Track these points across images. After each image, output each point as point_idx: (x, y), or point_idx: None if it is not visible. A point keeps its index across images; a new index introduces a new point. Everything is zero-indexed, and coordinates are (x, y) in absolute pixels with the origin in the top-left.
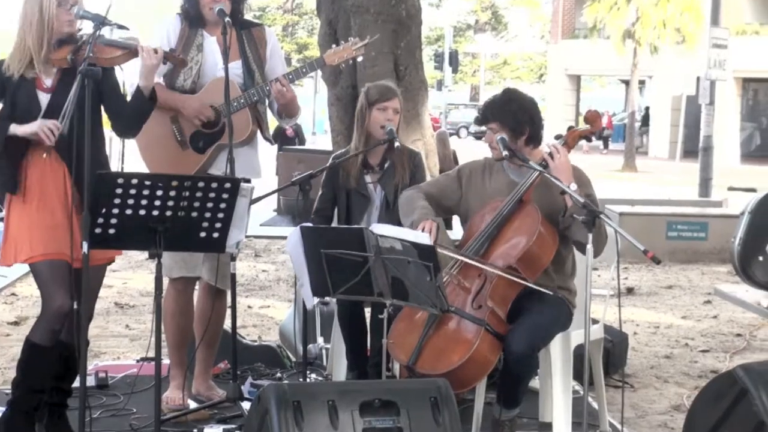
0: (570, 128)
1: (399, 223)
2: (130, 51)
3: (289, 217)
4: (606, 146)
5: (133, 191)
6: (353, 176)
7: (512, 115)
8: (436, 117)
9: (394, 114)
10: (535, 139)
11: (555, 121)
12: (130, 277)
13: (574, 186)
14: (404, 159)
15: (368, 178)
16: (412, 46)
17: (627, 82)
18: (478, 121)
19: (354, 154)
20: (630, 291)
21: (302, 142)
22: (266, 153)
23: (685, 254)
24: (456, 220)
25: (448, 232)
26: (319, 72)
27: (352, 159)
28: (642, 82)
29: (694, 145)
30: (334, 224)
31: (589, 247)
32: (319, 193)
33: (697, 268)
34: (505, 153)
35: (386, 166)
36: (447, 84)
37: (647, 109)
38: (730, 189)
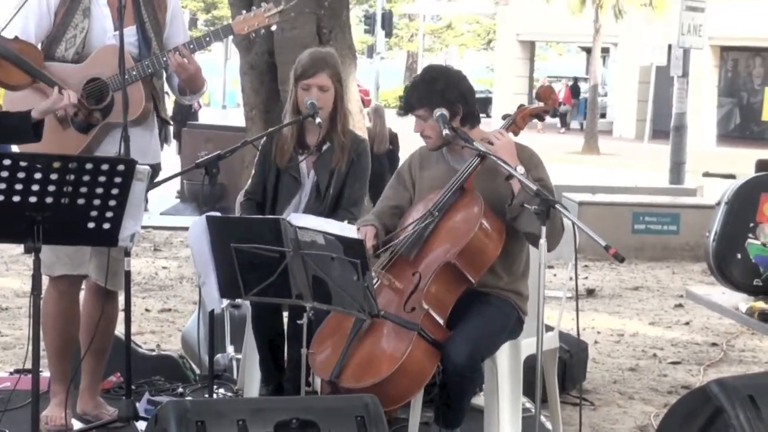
0: (520, 107)
1: (329, 216)
2: (33, 79)
3: (194, 205)
4: (564, 124)
5: (4, 174)
6: (286, 153)
7: (440, 96)
8: (365, 89)
9: (319, 92)
10: (471, 118)
11: (505, 95)
12: (2, 275)
13: (521, 169)
14: (346, 142)
15: (302, 160)
16: (338, 5)
17: (588, 50)
18: (402, 111)
19: (284, 125)
20: (590, 293)
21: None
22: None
23: (653, 250)
24: None
25: None
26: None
27: (285, 134)
28: (606, 50)
29: (664, 124)
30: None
31: (543, 241)
32: (252, 172)
33: (667, 266)
34: (446, 132)
35: (324, 148)
36: (379, 50)
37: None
38: (706, 175)
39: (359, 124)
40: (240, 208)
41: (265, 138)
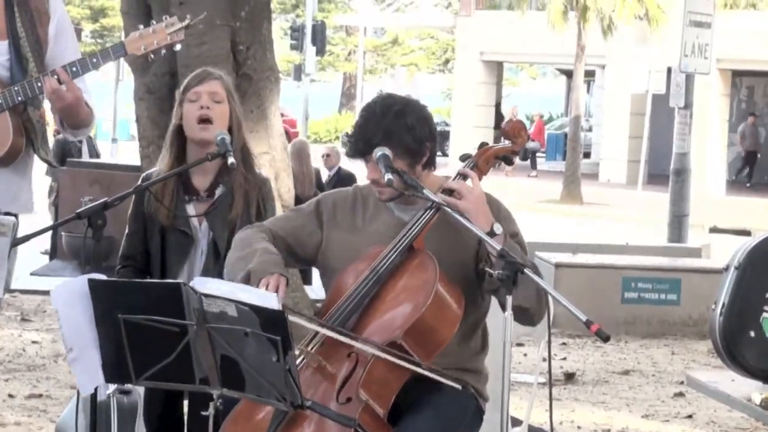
0: (483, 145)
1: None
2: None
3: (74, 264)
4: (534, 166)
5: None
6: (167, 206)
7: (410, 134)
8: (292, 118)
9: (210, 101)
10: (431, 161)
11: (465, 128)
12: None
13: (498, 227)
14: (248, 185)
15: (191, 209)
16: (258, 15)
17: (569, 74)
18: (355, 152)
19: (168, 174)
20: (569, 378)
21: (94, 153)
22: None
23: (648, 325)
24: (316, 272)
25: (307, 288)
26: None
27: (168, 181)
28: (590, 74)
29: (662, 167)
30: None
31: (507, 314)
32: (126, 231)
33: (665, 345)
34: (388, 177)
35: (218, 193)
36: (309, 71)
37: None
38: (713, 231)
39: (282, 164)
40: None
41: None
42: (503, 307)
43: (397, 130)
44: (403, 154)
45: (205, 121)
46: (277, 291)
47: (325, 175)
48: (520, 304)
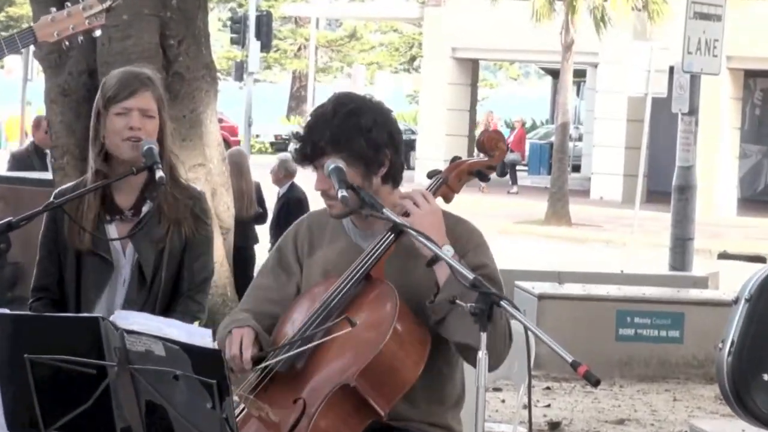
0: (455, 159)
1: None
2: None
3: None
4: (514, 181)
5: None
6: (86, 228)
7: (365, 137)
8: (232, 125)
9: (142, 118)
10: (396, 173)
11: (434, 136)
12: None
13: (449, 250)
14: (178, 202)
15: (113, 231)
16: (192, 5)
17: (555, 74)
18: (302, 157)
19: (85, 190)
20: (554, 428)
21: None
22: None
23: (646, 366)
24: None
25: None
26: (32, 47)
27: (84, 199)
28: (581, 74)
29: (663, 183)
30: None
31: (482, 354)
32: (37, 258)
33: (665, 389)
34: (342, 195)
35: (145, 211)
36: (252, 70)
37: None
38: (723, 257)
39: (221, 178)
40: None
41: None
42: (458, 347)
43: (349, 131)
44: (356, 162)
45: (134, 139)
46: (240, 342)
47: (273, 194)
48: (463, 340)
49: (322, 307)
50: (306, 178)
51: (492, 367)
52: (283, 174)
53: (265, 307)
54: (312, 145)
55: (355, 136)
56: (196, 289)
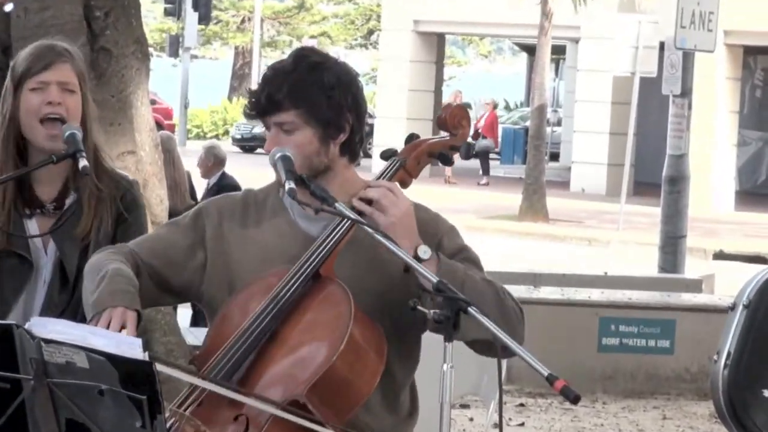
0: (412, 138)
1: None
2: None
3: None
4: (485, 171)
5: None
6: (0, 224)
7: (326, 94)
8: (167, 107)
9: (61, 93)
10: (354, 146)
11: (393, 120)
12: None
13: (425, 251)
14: (103, 193)
15: (32, 227)
16: None
17: (531, 50)
18: (255, 110)
19: (31, 168)
20: None
21: None
22: None
23: (632, 380)
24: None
25: (192, 330)
26: None
27: None
28: (560, 50)
29: (652, 173)
30: None
31: (446, 367)
32: None
33: (653, 406)
34: (289, 187)
35: (68, 203)
36: (189, 45)
37: None
38: (718, 257)
39: (153, 168)
40: None
41: None
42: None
43: (309, 86)
44: (314, 121)
45: (54, 120)
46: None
47: (202, 185)
48: (481, 337)
49: (264, 309)
50: (237, 168)
51: (509, 354)
52: (212, 162)
53: (156, 265)
54: (267, 97)
55: (316, 92)
56: None
